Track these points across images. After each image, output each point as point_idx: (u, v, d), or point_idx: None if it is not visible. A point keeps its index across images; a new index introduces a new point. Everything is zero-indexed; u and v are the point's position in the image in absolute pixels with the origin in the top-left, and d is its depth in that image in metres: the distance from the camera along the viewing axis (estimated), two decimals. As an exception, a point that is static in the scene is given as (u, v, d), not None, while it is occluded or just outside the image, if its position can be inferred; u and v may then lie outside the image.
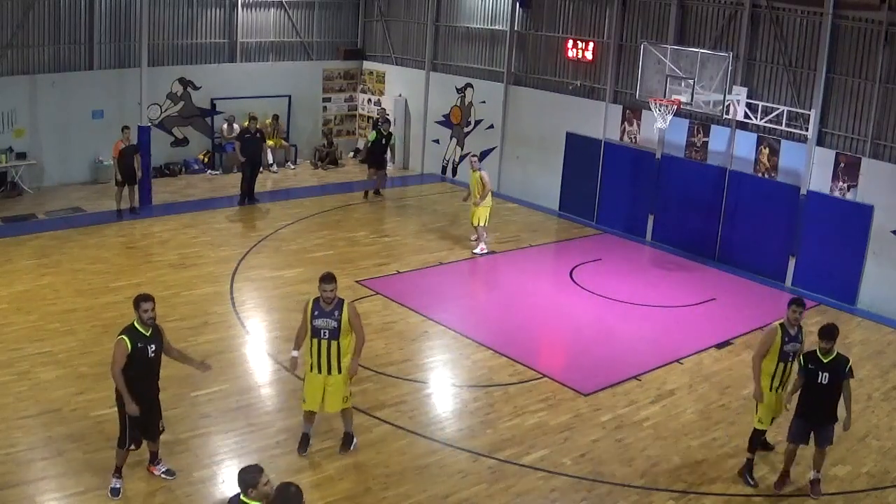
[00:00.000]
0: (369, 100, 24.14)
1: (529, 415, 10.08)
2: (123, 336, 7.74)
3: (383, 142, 20.08)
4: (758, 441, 8.94)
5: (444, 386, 10.91)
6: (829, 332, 8.25)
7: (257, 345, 11.79)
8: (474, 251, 16.08)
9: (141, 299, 7.83)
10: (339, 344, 8.45)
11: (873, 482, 9.02)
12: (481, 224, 15.98)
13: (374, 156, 19.90)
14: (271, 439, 9.11)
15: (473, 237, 16.42)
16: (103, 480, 8.02)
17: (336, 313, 8.40)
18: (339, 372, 8.55)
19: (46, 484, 8.02)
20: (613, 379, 11.16)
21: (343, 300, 8.54)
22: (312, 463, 8.73)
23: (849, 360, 8.36)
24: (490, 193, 16.00)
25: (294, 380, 10.55)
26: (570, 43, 18.93)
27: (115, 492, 7.91)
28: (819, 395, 8.31)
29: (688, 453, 9.41)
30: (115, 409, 8.01)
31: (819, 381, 8.25)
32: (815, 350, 8.33)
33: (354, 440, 9.07)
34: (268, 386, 10.54)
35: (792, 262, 15.51)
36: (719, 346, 12.55)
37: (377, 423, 9.63)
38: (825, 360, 8.28)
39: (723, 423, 10.14)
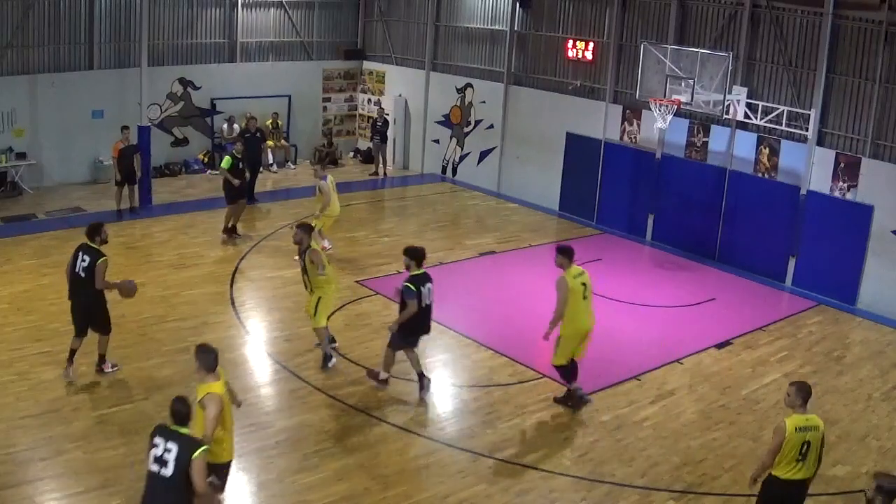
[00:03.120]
0: (369, 100, 24.14)
1: (529, 415, 10.09)
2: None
3: (240, 165, 16.29)
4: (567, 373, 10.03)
5: (444, 386, 10.91)
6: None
7: (257, 345, 11.79)
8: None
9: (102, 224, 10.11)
10: (307, 276, 10.64)
11: (873, 482, 9.01)
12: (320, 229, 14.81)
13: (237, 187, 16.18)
14: (271, 439, 9.12)
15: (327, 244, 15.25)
16: (103, 480, 8.03)
17: (303, 256, 10.53)
18: (311, 293, 10.70)
19: (46, 484, 8.02)
20: (613, 379, 11.16)
21: (309, 248, 10.44)
22: (312, 463, 8.73)
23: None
24: (329, 203, 14.84)
25: (294, 380, 10.57)
26: (570, 43, 18.93)
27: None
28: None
29: (688, 453, 9.41)
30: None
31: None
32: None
33: (329, 360, 10.87)
34: (268, 386, 10.54)
35: (792, 262, 15.51)
36: (719, 346, 12.55)
37: (377, 423, 9.63)
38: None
39: (723, 423, 10.14)
